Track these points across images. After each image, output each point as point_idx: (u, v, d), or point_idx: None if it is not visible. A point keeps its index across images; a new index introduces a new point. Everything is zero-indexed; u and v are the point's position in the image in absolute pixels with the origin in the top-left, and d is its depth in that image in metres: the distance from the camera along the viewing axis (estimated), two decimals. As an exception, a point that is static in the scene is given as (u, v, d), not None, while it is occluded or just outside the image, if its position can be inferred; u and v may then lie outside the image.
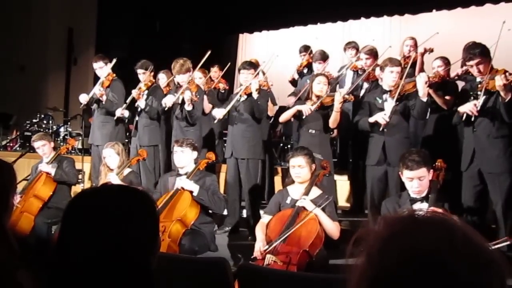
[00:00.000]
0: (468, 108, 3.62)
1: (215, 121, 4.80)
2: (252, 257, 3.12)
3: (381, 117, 3.99)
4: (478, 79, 3.63)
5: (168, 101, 4.94)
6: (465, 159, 3.75)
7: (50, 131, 7.75)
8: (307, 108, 4.30)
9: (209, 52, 5.13)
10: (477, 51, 3.58)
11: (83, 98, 5.40)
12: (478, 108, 3.58)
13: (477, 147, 3.68)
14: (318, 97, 4.34)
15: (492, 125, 3.62)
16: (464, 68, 4.23)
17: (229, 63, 5.96)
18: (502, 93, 3.44)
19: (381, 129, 4.01)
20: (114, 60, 5.49)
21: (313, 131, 4.36)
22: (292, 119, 4.72)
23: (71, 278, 1.03)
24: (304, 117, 4.34)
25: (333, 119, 4.24)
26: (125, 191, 1.15)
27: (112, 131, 5.34)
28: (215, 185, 3.83)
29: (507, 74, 3.39)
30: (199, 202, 3.64)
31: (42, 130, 7.75)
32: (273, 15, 9.08)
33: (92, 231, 1.03)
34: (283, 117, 4.63)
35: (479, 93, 3.59)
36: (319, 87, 4.36)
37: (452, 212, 2.95)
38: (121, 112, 5.23)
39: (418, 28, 7.33)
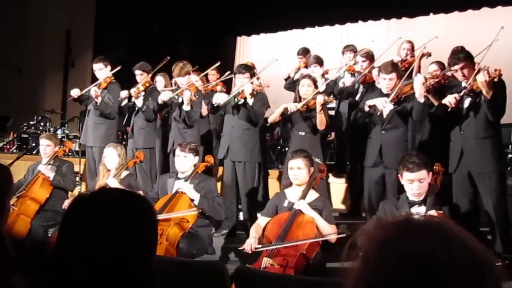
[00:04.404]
0: (448, 100, 3.65)
1: (215, 104, 4.76)
2: (239, 247, 3.15)
3: (380, 103, 4.01)
4: (464, 84, 3.66)
5: (164, 96, 4.97)
6: (453, 161, 3.76)
7: (49, 133, 7.72)
8: (293, 106, 4.34)
9: (218, 63, 5.50)
10: (461, 56, 3.62)
11: (74, 92, 5.45)
12: (458, 98, 3.60)
13: (465, 148, 3.69)
14: (304, 99, 4.36)
15: (479, 125, 3.64)
16: (449, 72, 4.25)
17: (228, 71, 5.99)
18: (484, 91, 3.46)
19: (378, 113, 4.02)
20: (118, 67, 5.53)
21: (303, 133, 4.38)
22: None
23: (69, 284, 1.02)
24: (288, 113, 4.35)
25: (319, 121, 4.26)
26: (123, 196, 1.14)
27: (104, 133, 5.34)
28: (215, 190, 3.86)
29: (489, 70, 3.42)
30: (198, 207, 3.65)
31: (39, 132, 7.74)
32: (271, 18, 9.10)
33: (90, 236, 1.03)
34: (272, 118, 4.61)
35: (465, 96, 3.63)
36: (304, 89, 4.40)
37: (450, 215, 2.95)
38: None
39: (415, 31, 7.36)
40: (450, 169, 3.75)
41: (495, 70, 3.42)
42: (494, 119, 3.59)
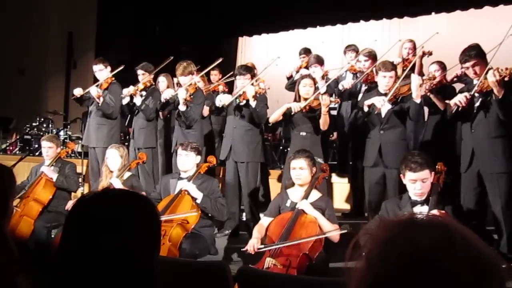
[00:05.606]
0: (458, 98, 3.60)
1: (220, 106, 4.74)
2: (242, 249, 3.15)
3: (378, 101, 3.99)
4: (475, 81, 3.63)
5: (166, 94, 4.97)
6: (464, 160, 3.72)
7: (50, 134, 7.75)
8: (296, 105, 4.29)
9: (220, 59, 5.48)
10: (473, 53, 3.59)
11: (77, 91, 5.46)
12: (469, 96, 3.55)
13: (476, 147, 3.66)
14: (305, 99, 4.34)
15: (490, 124, 3.61)
16: (463, 69, 4.24)
17: (230, 71, 5.99)
18: (495, 90, 3.43)
19: (376, 111, 4.00)
20: (121, 67, 5.55)
21: (304, 134, 4.36)
22: None
23: (72, 284, 1.02)
24: (292, 113, 4.32)
25: (323, 122, 4.25)
26: (126, 196, 1.15)
27: (107, 133, 5.35)
28: (218, 190, 3.87)
29: (499, 69, 3.39)
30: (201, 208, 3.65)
31: (42, 133, 7.77)
32: (273, 18, 9.09)
33: (93, 237, 1.03)
34: (273, 117, 4.57)
35: (476, 94, 3.60)
36: (305, 89, 4.37)
37: (453, 215, 2.94)
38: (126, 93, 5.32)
39: (417, 30, 7.34)
40: (462, 168, 3.72)
41: (506, 69, 3.38)
42: (505, 118, 3.55)
